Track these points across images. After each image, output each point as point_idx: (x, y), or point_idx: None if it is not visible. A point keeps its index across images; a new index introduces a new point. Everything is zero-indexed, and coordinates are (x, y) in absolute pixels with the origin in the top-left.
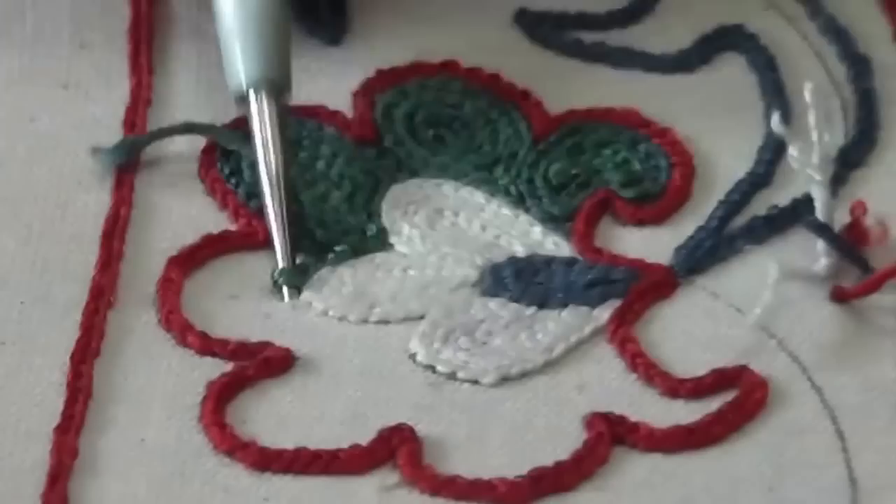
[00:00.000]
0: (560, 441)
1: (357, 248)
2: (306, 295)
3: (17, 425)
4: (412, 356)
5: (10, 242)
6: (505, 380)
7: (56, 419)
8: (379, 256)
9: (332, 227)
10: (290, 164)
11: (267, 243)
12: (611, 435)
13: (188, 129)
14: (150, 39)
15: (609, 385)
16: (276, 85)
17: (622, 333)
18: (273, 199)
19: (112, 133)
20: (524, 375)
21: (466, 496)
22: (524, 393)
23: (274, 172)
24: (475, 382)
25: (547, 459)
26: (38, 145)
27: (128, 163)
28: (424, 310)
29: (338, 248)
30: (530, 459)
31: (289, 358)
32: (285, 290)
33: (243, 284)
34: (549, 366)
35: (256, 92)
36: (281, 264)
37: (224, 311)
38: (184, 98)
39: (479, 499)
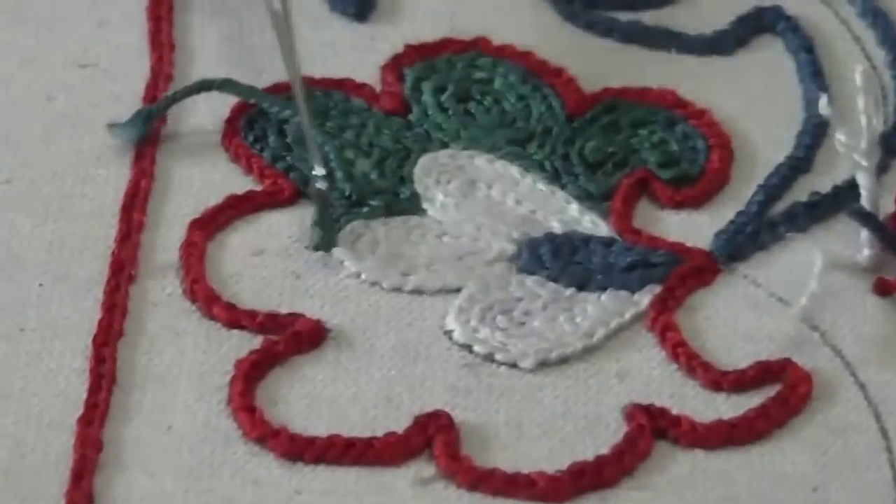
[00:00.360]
0: (600, 432)
1: (390, 207)
2: (338, 252)
3: (39, 417)
4: (448, 333)
5: (26, 223)
6: (544, 364)
7: (79, 409)
8: (413, 219)
9: (362, 186)
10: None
11: (294, 201)
12: (652, 428)
13: (204, 86)
14: (171, 15)
15: (649, 374)
16: None
17: (663, 321)
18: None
19: (132, 110)
20: (563, 361)
21: (505, 491)
22: (563, 380)
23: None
24: (513, 366)
25: (586, 451)
26: (55, 124)
27: (146, 136)
28: (461, 282)
29: (372, 203)
30: (569, 451)
31: (320, 331)
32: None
33: (270, 240)
34: (588, 351)
35: None
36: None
37: (250, 272)
38: (206, 74)
39: (517, 495)
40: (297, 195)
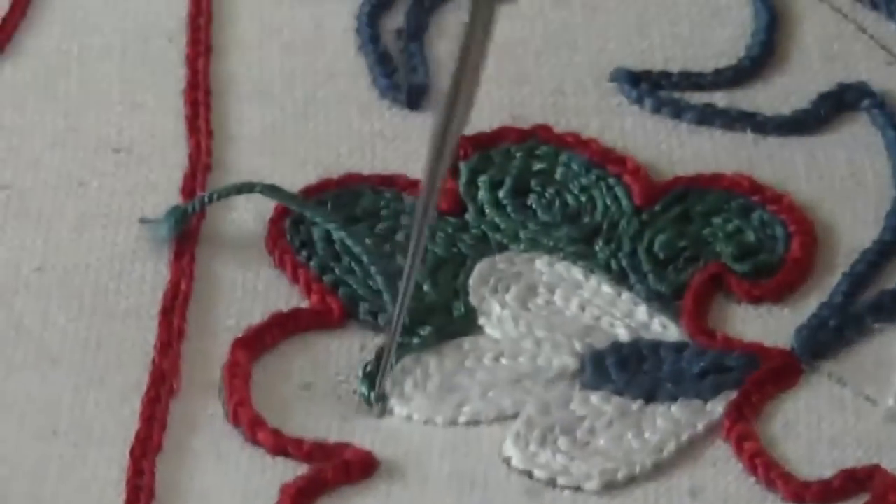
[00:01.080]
0: None
1: (443, 331)
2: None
3: None
4: (506, 460)
5: (60, 317)
6: (610, 486)
7: None
8: (468, 341)
9: (414, 305)
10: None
11: (342, 323)
12: None
13: (245, 188)
14: (208, 100)
15: (725, 490)
16: None
17: (739, 430)
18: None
19: (169, 200)
20: (631, 480)
21: None
22: (632, 500)
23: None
24: (577, 489)
25: None
26: (88, 212)
27: (182, 234)
28: (518, 407)
29: (422, 332)
30: None
31: (371, 462)
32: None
33: (318, 371)
34: (658, 469)
35: None
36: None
37: (297, 402)
38: (246, 163)
39: None
40: (347, 316)
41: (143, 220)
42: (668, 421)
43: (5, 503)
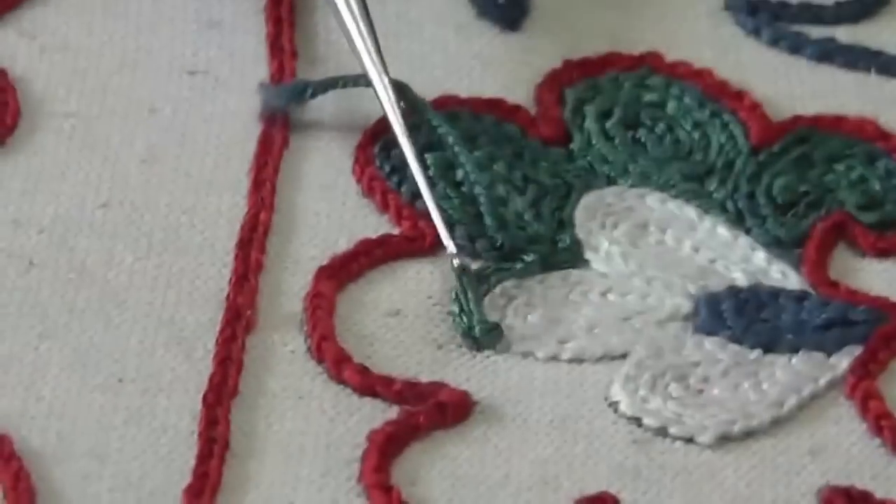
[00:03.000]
0: None
1: (547, 261)
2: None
3: (139, 484)
4: (613, 405)
5: (127, 256)
6: (725, 439)
7: (187, 477)
8: (573, 274)
9: (515, 232)
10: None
11: (435, 249)
12: None
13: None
14: (292, 17)
15: (848, 451)
16: None
17: (864, 388)
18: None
19: (248, 127)
20: (748, 435)
21: None
22: (748, 457)
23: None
24: (690, 441)
25: None
26: (159, 141)
27: (293, 108)
28: (627, 347)
29: (526, 258)
30: None
31: (466, 404)
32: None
33: (408, 300)
34: (777, 424)
35: None
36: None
37: (385, 333)
38: None
39: None
40: (439, 242)
41: (261, 86)
42: (788, 373)
43: (69, 458)
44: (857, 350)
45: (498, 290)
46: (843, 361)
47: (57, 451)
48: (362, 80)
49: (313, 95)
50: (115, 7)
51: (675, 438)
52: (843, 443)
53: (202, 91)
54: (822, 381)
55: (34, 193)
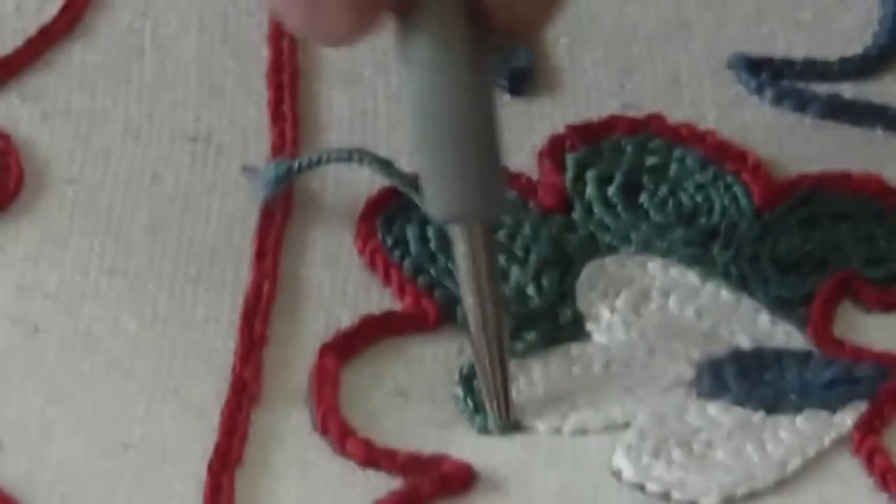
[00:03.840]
0: None
1: (548, 337)
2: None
3: None
4: (616, 473)
5: (131, 324)
6: (730, 502)
7: None
8: (575, 347)
9: (516, 310)
10: (504, 310)
11: (438, 327)
12: None
13: (356, 155)
14: (294, 85)
15: None
16: (489, 214)
17: (870, 444)
18: (489, 355)
19: (251, 196)
20: (752, 496)
21: None
22: None
23: (492, 324)
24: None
25: None
26: (163, 209)
27: (279, 192)
28: (629, 416)
29: (527, 337)
30: None
31: (469, 475)
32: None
33: (412, 378)
34: (782, 485)
35: (464, 223)
36: (492, 422)
37: (390, 412)
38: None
39: None
40: (443, 319)
41: (245, 168)
42: (792, 434)
43: None
44: (862, 406)
45: None
46: (847, 418)
47: None
48: (344, 155)
49: (299, 171)
50: (118, 73)
51: (679, 502)
52: (849, 499)
53: (204, 158)
54: (827, 440)
55: (38, 259)
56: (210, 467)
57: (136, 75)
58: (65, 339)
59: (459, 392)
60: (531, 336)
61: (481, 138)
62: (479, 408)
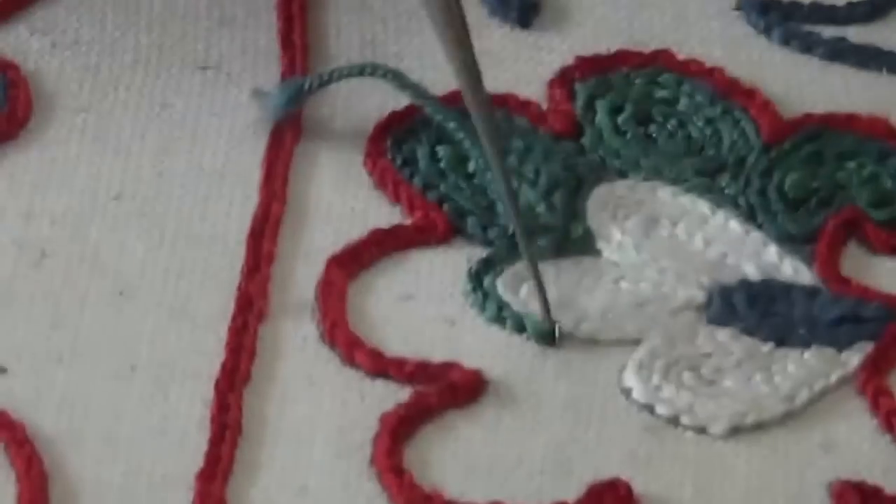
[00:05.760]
0: None
1: (559, 248)
2: (499, 297)
3: (152, 470)
4: (626, 391)
5: (138, 247)
6: (737, 430)
7: (199, 462)
8: (586, 261)
9: (528, 221)
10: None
11: (447, 239)
12: None
13: (369, 70)
14: (304, 14)
15: (859, 447)
16: None
17: (875, 384)
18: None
19: (260, 121)
20: (760, 427)
21: None
22: (760, 449)
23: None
24: (702, 431)
25: None
26: (171, 134)
27: (291, 115)
28: (641, 333)
29: (540, 242)
30: None
31: (479, 382)
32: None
33: (420, 286)
34: (789, 417)
35: None
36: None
37: (397, 317)
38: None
39: None
40: (452, 232)
41: (255, 92)
42: (800, 367)
43: (82, 444)
44: (868, 346)
45: (510, 272)
46: (854, 358)
47: (70, 437)
48: (356, 71)
49: (311, 91)
50: (127, 4)
51: (687, 428)
52: (853, 438)
53: (214, 86)
54: (834, 377)
55: (46, 186)
56: (217, 386)
57: (145, 6)
58: (72, 264)
59: (468, 285)
60: (543, 243)
61: None
62: (487, 297)
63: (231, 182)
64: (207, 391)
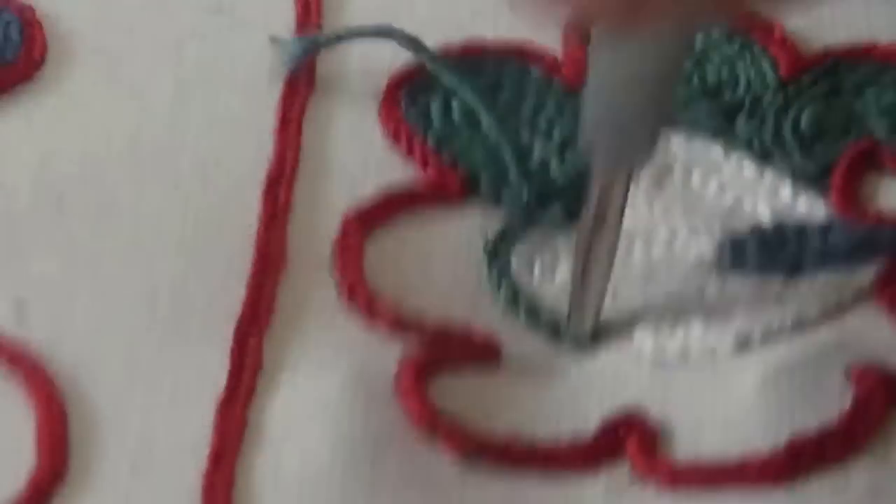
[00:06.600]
0: (821, 400)
1: (571, 212)
2: (515, 271)
3: (172, 395)
4: (637, 351)
5: (155, 192)
6: (746, 345)
7: (219, 392)
8: None
9: (540, 180)
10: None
11: (462, 198)
12: (884, 393)
13: (384, 32)
14: None
15: (876, 346)
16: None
17: (891, 292)
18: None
19: (275, 68)
20: (771, 341)
21: (713, 483)
22: (773, 357)
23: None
24: (712, 352)
25: (806, 421)
26: (186, 78)
27: (303, 65)
28: (650, 300)
29: (551, 209)
30: (787, 424)
31: (496, 348)
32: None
33: (435, 247)
34: (802, 331)
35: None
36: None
37: (415, 280)
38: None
39: (728, 485)
40: (467, 190)
41: (272, 39)
42: (812, 290)
43: (100, 380)
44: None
45: (523, 245)
46: (869, 274)
47: (88, 373)
48: (370, 31)
49: (325, 45)
50: None
51: (698, 353)
52: (870, 340)
53: (229, 30)
54: (848, 293)
55: (63, 128)
56: (237, 330)
57: None
58: (89, 207)
59: (484, 265)
60: (555, 209)
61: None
62: (502, 281)
63: (246, 130)
64: (226, 337)
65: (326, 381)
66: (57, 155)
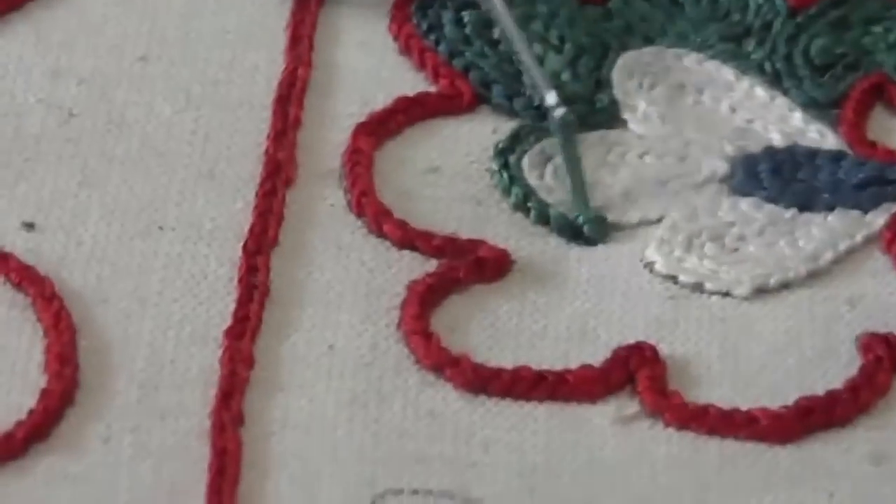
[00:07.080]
0: (830, 365)
1: (584, 120)
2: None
3: (180, 325)
4: (649, 265)
5: (165, 108)
6: (762, 291)
7: (227, 320)
8: (611, 135)
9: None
10: None
11: (473, 107)
12: (891, 360)
13: None
14: None
15: (886, 301)
16: None
17: None
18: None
19: None
20: (785, 287)
21: (721, 430)
22: (785, 308)
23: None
24: (726, 294)
25: (814, 387)
26: None
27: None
28: (663, 211)
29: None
30: (795, 386)
31: (505, 260)
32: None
33: (446, 157)
34: (814, 276)
35: None
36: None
37: (424, 190)
38: None
39: (736, 433)
40: (478, 100)
41: None
42: (823, 230)
43: (110, 300)
44: (893, 207)
45: (536, 148)
46: (879, 218)
47: (98, 293)
48: None
49: None
50: None
51: (712, 293)
52: (880, 293)
53: None
54: (859, 237)
55: (73, 45)
56: (245, 247)
57: None
58: (99, 124)
59: (494, 165)
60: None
61: None
62: (514, 180)
63: (256, 45)
64: (235, 254)
65: (333, 319)
66: (67, 72)
